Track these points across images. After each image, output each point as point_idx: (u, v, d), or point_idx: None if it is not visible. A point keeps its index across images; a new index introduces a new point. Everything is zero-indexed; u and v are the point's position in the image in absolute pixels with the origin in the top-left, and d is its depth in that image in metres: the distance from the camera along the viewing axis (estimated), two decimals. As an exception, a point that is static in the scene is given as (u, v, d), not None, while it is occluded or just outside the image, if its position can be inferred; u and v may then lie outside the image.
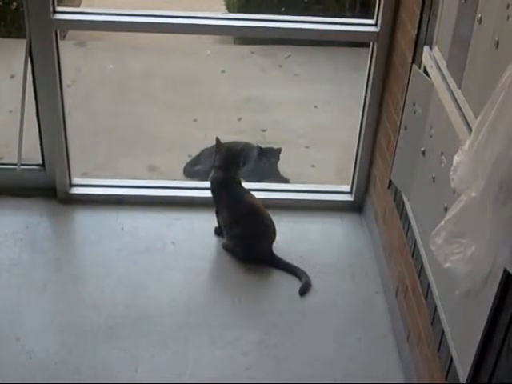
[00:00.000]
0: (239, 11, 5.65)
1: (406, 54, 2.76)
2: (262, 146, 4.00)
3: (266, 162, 3.95)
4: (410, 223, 2.60)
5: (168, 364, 2.65)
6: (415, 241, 2.52)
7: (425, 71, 2.46)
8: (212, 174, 3.21)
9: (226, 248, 3.19)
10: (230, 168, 3.15)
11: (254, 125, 4.45)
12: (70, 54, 4.81)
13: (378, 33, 3.03)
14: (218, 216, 3.22)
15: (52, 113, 3.20)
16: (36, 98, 3.18)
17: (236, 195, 3.16)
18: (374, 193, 3.31)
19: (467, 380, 1.97)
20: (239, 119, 4.51)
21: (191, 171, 3.97)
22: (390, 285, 2.92)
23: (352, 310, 2.94)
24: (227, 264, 3.14)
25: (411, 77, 2.60)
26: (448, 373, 2.15)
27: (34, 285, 2.95)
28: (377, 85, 3.14)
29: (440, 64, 2.31)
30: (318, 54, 5.18)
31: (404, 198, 2.69)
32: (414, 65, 2.59)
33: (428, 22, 2.49)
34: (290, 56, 5.29)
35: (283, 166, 3.98)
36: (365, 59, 3.18)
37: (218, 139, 3.15)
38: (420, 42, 2.58)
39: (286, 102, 4.72)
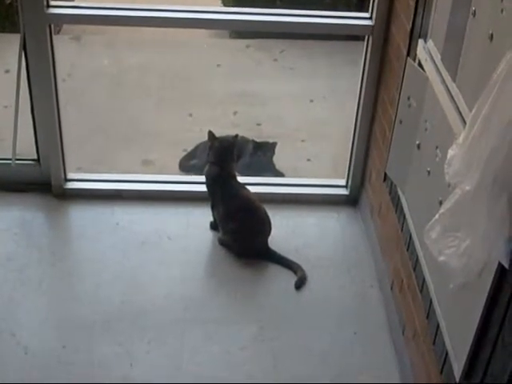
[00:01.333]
0: (234, 5, 5.63)
1: (401, 47, 2.75)
2: (258, 140, 3.99)
3: (261, 156, 3.94)
4: (405, 217, 2.60)
5: (164, 359, 2.65)
6: (410, 234, 2.52)
7: (419, 64, 2.45)
8: (207, 169, 3.20)
9: (222, 243, 3.18)
10: (225, 162, 3.14)
11: (249, 119, 4.44)
12: (65, 48, 4.80)
13: (372, 26, 3.03)
14: (213, 211, 3.21)
15: (47, 107, 3.19)
16: (30, 92, 3.17)
17: (231, 190, 3.15)
18: (369, 186, 3.31)
19: (462, 373, 1.97)
20: (235, 113, 4.50)
21: (187, 166, 3.96)
22: (386, 278, 2.92)
23: (347, 304, 2.94)
24: (223, 258, 3.14)
25: (406, 70, 2.59)
26: (443, 366, 2.16)
27: (29, 280, 2.94)
28: (372, 78, 3.13)
29: (434, 57, 2.30)
30: (314, 48, 5.16)
31: (399, 191, 2.69)
32: (408, 58, 2.59)
33: (423, 15, 2.48)
34: (285, 50, 5.28)
35: (279, 160, 3.97)
36: (360, 53, 3.18)
37: (210, 132, 3.14)
38: (415, 35, 2.57)
39: (282, 96, 4.71)
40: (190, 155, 4.01)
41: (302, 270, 3.04)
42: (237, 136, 3.19)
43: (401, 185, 2.66)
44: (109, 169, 3.79)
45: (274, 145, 3.97)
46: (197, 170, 3.78)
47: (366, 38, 3.10)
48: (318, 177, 3.69)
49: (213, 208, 3.21)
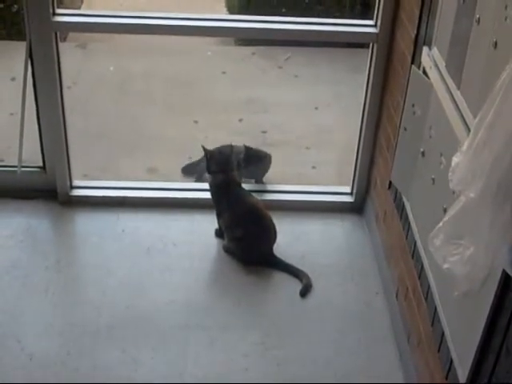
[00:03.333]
0: (240, 13, 5.64)
1: (406, 54, 2.76)
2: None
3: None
4: (409, 224, 2.60)
5: (167, 365, 2.65)
6: (415, 242, 2.52)
7: (424, 72, 2.46)
8: (210, 178, 3.20)
9: (227, 250, 3.18)
10: (227, 170, 3.15)
11: (254, 126, 4.45)
12: (71, 55, 4.81)
13: (377, 34, 3.03)
14: (218, 218, 3.22)
15: (52, 115, 3.20)
16: (36, 100, 3.18)
17: (236, 197, 3.16)
18: (374, 194, 3.31)
19: (467, 380, 1.96)
20: (240, 120, 4.51)
21: (190, 169, 3.91)
22: (390, 286, 2.92)
23: (352, 311, 2.94)
24: (228, 265, 3.14)
25: (410, 78, 2.60)
26: (448, 373, 2.15)
27: (34, 287, 2.95)
28: (377, 86, 3.14)
29: (439, 64, 2.31)
30: (318, 56, 5.17)
31: (404, 198, 2.69)
32: (413, 65, 2.59)
33: (427, 22, 2.49)
34: (289, 57, 5.29)
35: (284, 167, 3.97)
36: (364, 60, 3.18)
37: (203, 148, 3.17)
38: (419, 42, 2.58)
39: (287, 103, 4.72)
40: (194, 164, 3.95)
41: (308, 278, 3.04)
42: (231, 145, 3.21)
43: (405, 192, 2.66)
44: (114, 176, 3.79)
45: (268, 156, 3.70)
46: (198, 173, 3.76)
47: (371, 45, 3.11)
48: (322, 184, 3.69)
49: (218, 216, 3.21)
